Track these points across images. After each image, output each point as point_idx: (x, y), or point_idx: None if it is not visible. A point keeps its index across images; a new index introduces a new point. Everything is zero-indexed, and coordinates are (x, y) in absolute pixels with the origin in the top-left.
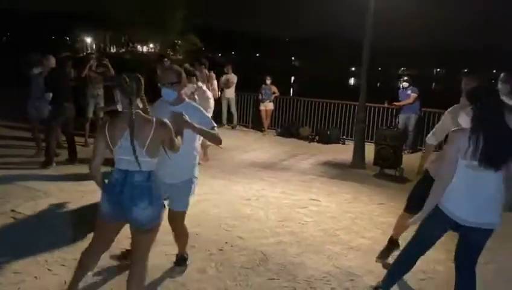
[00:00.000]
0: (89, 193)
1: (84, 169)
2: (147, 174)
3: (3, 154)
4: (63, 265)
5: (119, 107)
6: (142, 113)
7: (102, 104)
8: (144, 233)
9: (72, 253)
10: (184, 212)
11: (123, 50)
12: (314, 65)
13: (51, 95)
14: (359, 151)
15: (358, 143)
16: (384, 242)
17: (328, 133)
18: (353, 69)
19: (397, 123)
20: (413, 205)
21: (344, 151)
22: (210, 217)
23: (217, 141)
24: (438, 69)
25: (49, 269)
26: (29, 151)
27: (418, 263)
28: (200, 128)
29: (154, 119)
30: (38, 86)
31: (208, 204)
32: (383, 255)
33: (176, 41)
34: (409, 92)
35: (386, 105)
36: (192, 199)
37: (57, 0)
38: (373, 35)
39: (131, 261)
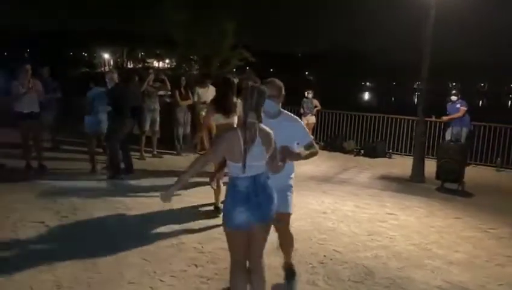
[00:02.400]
0: (167, 205)
1: (150, 181)
2: (266, 173)
3: (77, 167)
4: (172, 276)
5: (249, 117)
6: (261, 125)
7: (158, 118)
8: (269, 226)
9: (177, 264)
10: (289, 215)
11: (140, 65)
12: (327, 79)
13: (109, 108)
14: (419, 165)
15: (418, 157)
16: (480, 257)
17: (375, 146)
18: (367, 83)
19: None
20: None
21: (394, 165)
22: (296, 230)
23: (315, 155)
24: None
25: (161, 280)
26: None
27: None
28: (306, 154)
29: (267, 129)
30: (101, 101)
31: None
32: None
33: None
34: (458, 105)
35: (434, 119)
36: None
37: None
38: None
39: (252, 265)
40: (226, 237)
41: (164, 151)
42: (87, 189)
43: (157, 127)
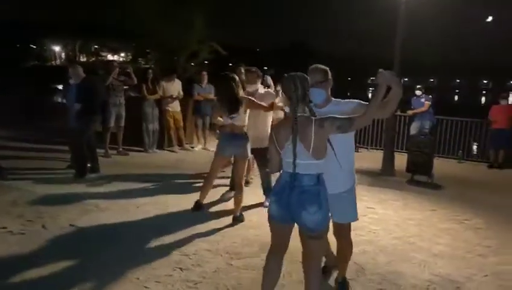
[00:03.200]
0: (142, 205)
1: (119, 180)
2: (316, 177)
3: (40, 167)
4: (158, 282)
5: (286, 109)
6: (306, 115)
7: (124, 114)
8: (313, 239)
9: (161, 269)
10: (349, 224)
11: (93, 59)
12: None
13: (78, 106)
14: (389, 159)
15: (389, 150)
16: (461, 248)
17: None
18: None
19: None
20: None
21: (363, 159)
22: None
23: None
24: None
25: (145, 287)
26: (62, 164)
27: None
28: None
29: (313, 119)
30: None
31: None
32: None
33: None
34: (423, 99)
35: (399, 113)
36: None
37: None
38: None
39: (304, 271)
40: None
41: (130, 148)
42: (53, 190)
43: (122, 123)
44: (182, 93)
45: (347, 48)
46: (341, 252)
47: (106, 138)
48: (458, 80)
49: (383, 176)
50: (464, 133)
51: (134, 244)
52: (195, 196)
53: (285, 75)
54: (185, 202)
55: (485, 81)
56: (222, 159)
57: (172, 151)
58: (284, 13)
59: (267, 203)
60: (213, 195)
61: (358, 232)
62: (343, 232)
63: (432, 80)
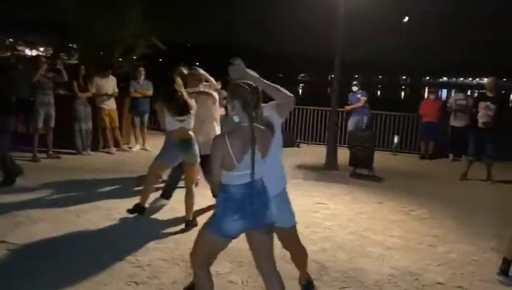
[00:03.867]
0: (82, 213)
1: (50, 186)
2: (261, 179)
3: None
4: None
5: (235, 119)
6: (259, 126)
7: (53, 113)
8: (271, 231)
9: (113, 284)
10: (294, 227)
11: (8, 54)
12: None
13: None
14: (333, 154)
15: (332, 145)
16: (412, 239)
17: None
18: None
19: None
20: None
21: (305, 155)
22: None
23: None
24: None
25: None
26: None
27: None
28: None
29: (267, 127)
30: None
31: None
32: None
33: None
34: (359, 95)
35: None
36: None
37: None
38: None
39: (265, 272)
40: (205, 242)
41: (62, 150)
42: None
43: (52, 124)
44: (117, 90)
45: (278, 45)
46: (296, 259)
47: (35, 141)
48: (380, 76)
49: (326, 171)
50: (398, 127)
51: (78, 258)
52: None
53: (239, 82)
54: (128, 204)
55: (403, 77)
56: (164, 166)
57: (109, 152)
58: (217, 9)
59: None
60: (162, 199)
61: (313, 229)
62: (290, 238)
63: (357, 76)
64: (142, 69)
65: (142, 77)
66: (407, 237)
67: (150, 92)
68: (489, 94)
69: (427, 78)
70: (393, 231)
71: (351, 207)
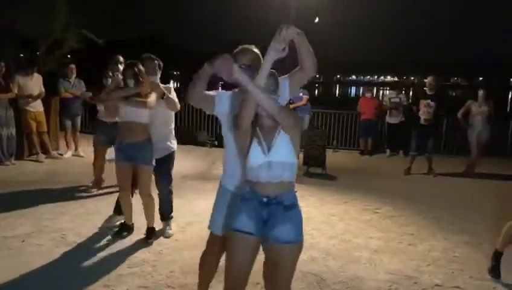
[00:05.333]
0: (27, 237)
1: None
2: None
3: None
4: None
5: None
6: None
7: None
8: None
9: None
10: None
11: None
12: None
13: None
14: None
15: None
16: (392, 239)
17: None
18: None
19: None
20: None
21: None
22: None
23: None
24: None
25: None
26: None
27: None
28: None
29: None
30: None
31: (195, 228)
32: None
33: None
34: (301, 94)
35: None
36: None
37: None
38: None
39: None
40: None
41: None
42: None
43: None
44: (43, 90)
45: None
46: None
47: None
48: (317, 75)
49: None
50: (337, 124)
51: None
52: (93, 217)
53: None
54: (82, 225)
55: (317, 76)
56: (124, 166)
57: (37, 160)
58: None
59: (170, 232)
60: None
61: None
62: None
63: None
64: (73, 66)
65: (74, 75)
66: (386, 237)
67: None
68: (429, 92)
69: (338, 76)
70: (370, 231)
71: (320, 209)
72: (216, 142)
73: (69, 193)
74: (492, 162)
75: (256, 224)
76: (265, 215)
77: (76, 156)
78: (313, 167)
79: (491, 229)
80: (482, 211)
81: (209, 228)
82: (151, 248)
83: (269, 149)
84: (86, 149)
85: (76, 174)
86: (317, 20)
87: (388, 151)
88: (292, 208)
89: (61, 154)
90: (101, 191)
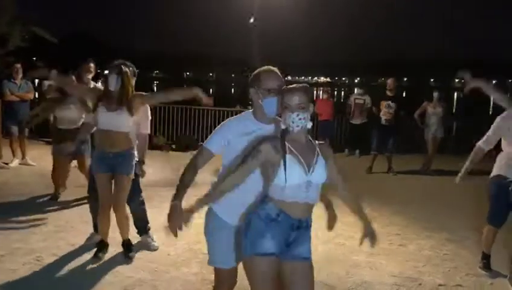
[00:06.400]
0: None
1: None
2: None
3: None
4: None
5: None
6: None
7: None
8: None
9: None
10: None
11: None
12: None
13: None
14: None
15: None
16: (380, 241)
17: (185, 140)
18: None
19: None
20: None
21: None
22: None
23: None
24: None
25: None
26: None
27: None
28: None
29: None
30: None
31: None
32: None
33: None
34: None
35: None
36: None
37: None
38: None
39: None
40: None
41: None
42: None
43: None
44: None
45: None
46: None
47: None
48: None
49: None
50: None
51: None
52: (67, 235)
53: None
54: (56, 244)
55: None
56: (106, 177)
57: None
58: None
59: (155, 244)
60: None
61: None
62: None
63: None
64: (18, 66)
65: (20, 76)
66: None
67: (31, 95)
68: (389, 94)
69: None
70: (355, 232)
71: None
72: (174, 146)
73: (30, 208)
74: (442, 158)
75: (279, 245)
76: (292, 239)
77: (23, 164)
78: None
79: (464, 225)
80: (447, 206)
81: (212, 264)
82: (144, 266)
83: (310, 169)
84: (35, 156)
85: (34, 184)
86: (252, 20)
87: (346, 150)
88: (310, 226)
89: (7, 163)
90: (65, 202)
